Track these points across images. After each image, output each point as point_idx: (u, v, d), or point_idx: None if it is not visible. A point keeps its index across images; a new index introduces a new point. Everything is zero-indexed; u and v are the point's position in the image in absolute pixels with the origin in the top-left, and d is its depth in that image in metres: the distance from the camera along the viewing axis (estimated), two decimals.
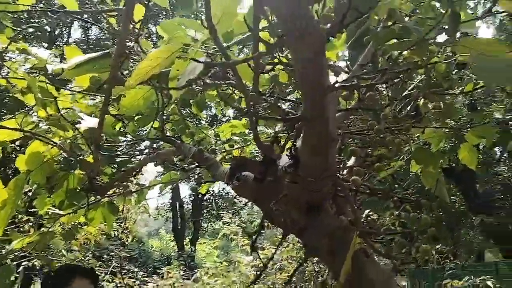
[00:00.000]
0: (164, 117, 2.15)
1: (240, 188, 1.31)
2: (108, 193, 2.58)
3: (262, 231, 1.42)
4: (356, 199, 1.48)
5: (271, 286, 5.07)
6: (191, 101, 2.38)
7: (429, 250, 1.04)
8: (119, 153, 1.96)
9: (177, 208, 19.81)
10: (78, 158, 2.19)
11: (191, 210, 21.10)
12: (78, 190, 2.26)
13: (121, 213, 5.79)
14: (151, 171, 2.57)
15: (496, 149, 17.87)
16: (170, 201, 20.23)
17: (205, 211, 21.06)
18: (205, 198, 19.47)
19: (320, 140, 1.09)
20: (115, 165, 2.17)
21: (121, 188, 2.25)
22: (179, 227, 19.25)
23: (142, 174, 2.36)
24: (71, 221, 2.85)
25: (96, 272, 1.98)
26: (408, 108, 2.42)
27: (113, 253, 6.92)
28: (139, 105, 2.05)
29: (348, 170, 1.27)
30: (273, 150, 1.25)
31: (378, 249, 0.97)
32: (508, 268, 8.57)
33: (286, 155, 1.18)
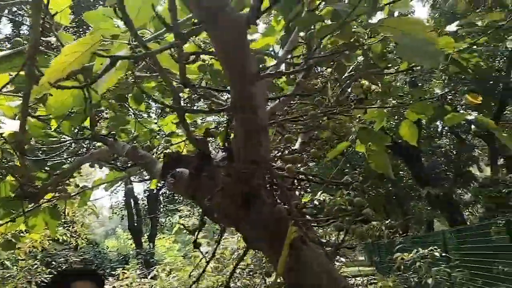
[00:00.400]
0: (99, 114, 2.04)
1: (175, 185, 1.26)
2: (47, 197, 2.44)
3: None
4: (297, 187, 1.47)
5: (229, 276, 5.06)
6: (127, 95, 2.27)
7: (364, 232, 1.05)
8: (47, 157, 1.83)
9: (132, 205, 19.32)
10: (7, 165, 2.04)
11: (146, 206, 20.65)
12: (11, 197, 2.12)
13: (66, 217, 5.56)
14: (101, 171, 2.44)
15: (438, 123, 18.85)
16: (124, 198, 19.67)
17: (161, 206, 20.67)
18: (160, 193, 19.10)
19: (250, 130, 1.06)
20: (48, 169, 2.04)
21: (58, 192, 2.12)
22: (135, 224, 18.79)
23: (81, 176, 2.24)
24: (10, 230, 2.68)
25: (99, 273, 1.84)
26: (349, 89, 2.45)
27: (62, 259, 6.62)
28: (68, 103, 1.92)
29: (288, 156, 1.25)
30: (207, 144, 1.20)
31: (314, 236, 0.96)
32: (454, 236, 9.10)
33: (220, 148, 1.14)
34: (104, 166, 1.85)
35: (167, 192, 20.69)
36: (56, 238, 5.18)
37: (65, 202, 2.51)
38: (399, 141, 13.29)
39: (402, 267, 5.81)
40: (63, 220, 5.42)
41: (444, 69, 2.71)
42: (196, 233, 1.36)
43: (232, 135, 1.11)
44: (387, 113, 2.47)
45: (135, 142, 1.65)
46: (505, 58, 13.74)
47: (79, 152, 1.89)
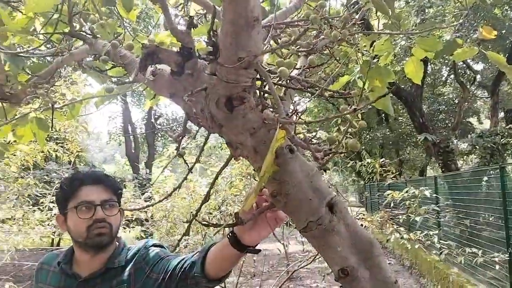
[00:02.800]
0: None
1: (155, 83, 1.15)
2: (33, 107, 2.34)
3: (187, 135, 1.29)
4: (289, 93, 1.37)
5: (221, 201, 5.14)
6: None
7: (356, 144, 0.96)
8: (23, 51, 1.70)
9: (130, 132, 19.40)
10: None
11: (144, 134, 20.75)
12: None
13: (58, 133, 5.52)
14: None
15: (444, 71, 18.48)
16: (122, 125, 19.70)
17: (159, 135, 20.78)
18: (158, 122, 19.09)
19: (240, 20, 0.93)
20: (28, 72, 1.92)
21: (40, 97, 2.01)
22: (133, 151, 19.00)
23: (63, 81, 2.11)
24: None
25: (113, 177, 1.65)
26: (357, 16, 2.28)
27: (56, 175, 6.68)
28: (48, 3, 1.75)
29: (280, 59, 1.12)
30: (190, 37, 1.07)
31: (305, 140, 0.87)
32: (445, 181, 9.23)
33: (204, 41, 1.01)
34: (87, 71, 1.72)
35: (165, 120, 20.70)
36: (48, 153, 5.17)
37: (52, 112, 2.42)
38: (402, 86, 13.06)
39: (391, 204, 5.92)
40: (55, 136, 5.37)
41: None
42: (181, 140, 1.27)
43: (220, 28, 0.98)
44: (394, 48, 2.35)
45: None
46: None
47: (60, 54, 1.75)
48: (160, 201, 1.33)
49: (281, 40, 1.18)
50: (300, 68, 1.88)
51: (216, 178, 1.13)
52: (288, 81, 1.32)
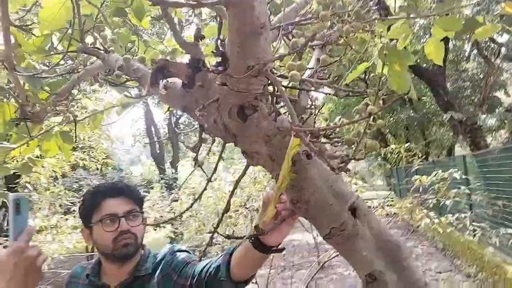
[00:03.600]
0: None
1: (168, 97, 1.15)
2: (56, 121, 2.39)
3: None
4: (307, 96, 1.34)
5: (246, 197, 5.15)
6: (127, 9, 2.10)
7: (376, 145, 0.93)
8: (39, 72, 1.72)
9: (153, 133, 19.67)
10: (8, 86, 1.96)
11: (167, 134, 21.02)
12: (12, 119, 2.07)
13: (84, 143, 5.65)
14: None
15: (466, 46, 17.91)
16: (145, 127, 20.00)
17: (182, 134, 21.01)
18: (179, 122, 19.28)
19: (246, 29, 0.91)
20: (47, 89, 1.96)
21: (60, 113, 2.05)
22: (158, 151, 19.27)
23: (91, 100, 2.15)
24: (25, 153, 2.70)
25: (135, 189, 1.68)
26: (371, 2, 2.22)
27: (89, 184, 6.85)
28: (61, 16, 1.78)
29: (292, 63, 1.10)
30: (199, 49, 1.06)
31: (320, 148, 0.85)
32: (475, 160, 8.97)
33: (212, 51, 1.00)
34: (105, 84, 1.74)
35: (187, 119, 20.86)
36: (75, 162, 5.30)
37: (75, 125, 2.46)
38: (424, 65, 12.72)
39: (420, 188, 5.79)
40: (80, 145, 5.51)
41: None
42: (198, 149, 1.27)
43: (227, 37, 0.96)
44: (412, 30, 2.29)
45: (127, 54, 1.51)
46: None
47: (76, 70, 1.77)
48: (181, 213, 1.33)
49: (292, 41, 1.15)
50: (313, 67, 1.83)
51: (235, 187, 1.12)
52: (300, 82, 1.29)
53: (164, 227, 9.34)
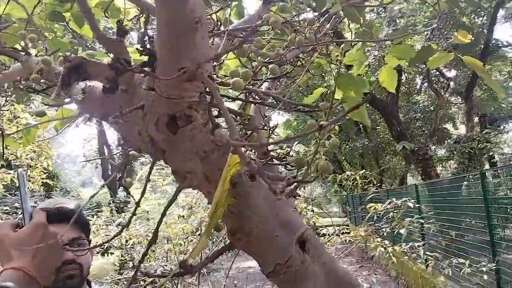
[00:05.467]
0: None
1: (85, 103, 0.96)
2: None
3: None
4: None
5: (198, 224, 4.89)
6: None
7: (329, 166, 0.78)
8: None
9: (106, 154, 18.90)
10: None
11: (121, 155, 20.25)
12: None
13: (23, 160, 5.19)
14: None
15: (418, 79, 18.77)
16: (98, 147, 19.20)
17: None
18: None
19: (177, 23, 0.75)
20: None
21: None
22: (110, 173, 18.46)
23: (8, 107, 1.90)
24: None
25: (79, 213, 1.49)
26: (328, 26, 2.17)
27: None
28: None
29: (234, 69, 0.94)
30: (123, 47, 0.89)
31: (258, 167, 0.69)
32: (427, 189, 9.19)
33: (137, 49, 0.83)
34: (25, 92, 1.51)
35: None
36: (11, 182, 4.83)
37: (2, 139, 2.19)
38: (378, 96, 13.12)
39: (375, 217, 5.78)
40: (16, 163, 5.04)
41: (432, 3, 2.44)
42: (123, 169, 1.07)
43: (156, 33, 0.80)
44: (366, 57, 2.27)
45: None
46: (486, 13, 13.50)
47: None
48: (108, 240, 1.13)
49: (270, 67, 1.01)
50: (268, 80, 1.71)
51: (163, 216, 0.94)
52: (253, 96, 1.15)
53: (112, 253, 8.79)
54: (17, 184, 1.23)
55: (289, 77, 1.51)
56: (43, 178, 5.35)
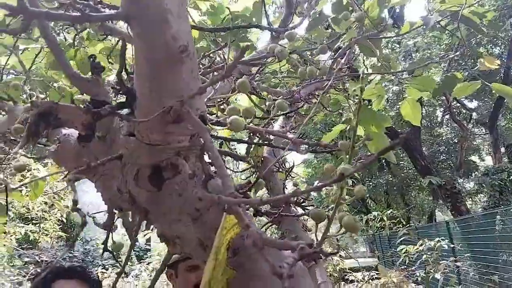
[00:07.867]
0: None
1: (58, 154, 0.81)
2: None
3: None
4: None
5: None
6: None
7: (356, 224, 0.60)
8: None
9: None
10: None
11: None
12: None
13: (35, 213, 5.09)
14: None
15: (438, 112, 18.43)
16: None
17: None
18: None
19: (157, 54, 0.61)
20: None
21: None
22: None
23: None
24: None
25: (89, 271, 1.57)
26: (343, 60, 2.06)
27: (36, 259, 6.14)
28: None
29: (231, 106, 0.79)
30: (100, 86, 0.75)
31: (261, 236, 0.51)
32: (458, 225, 8.70)
33: (112, 87, 0.69)
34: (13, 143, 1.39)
35: None
36: (25, 236, 4.72)
37: (6, 195, 2.09)
38: (399, 130, 12.84)
39: (406, 260, 5.38)
40: (30, 216, 4.94)
41: (452, 31, 2.31)
42: (109, 229, 0.91)
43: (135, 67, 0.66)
44: (385, 92, 2.16)
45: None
46: (504, 42, 13.34)
47: None
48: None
49: (276, 102, 0.86)
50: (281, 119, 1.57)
51: (155, 281, 0.76)
52: (258, 136, 0.99)
53: None
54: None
55: (302, 115, 1.37)
56: (56, 230, 5.24)
